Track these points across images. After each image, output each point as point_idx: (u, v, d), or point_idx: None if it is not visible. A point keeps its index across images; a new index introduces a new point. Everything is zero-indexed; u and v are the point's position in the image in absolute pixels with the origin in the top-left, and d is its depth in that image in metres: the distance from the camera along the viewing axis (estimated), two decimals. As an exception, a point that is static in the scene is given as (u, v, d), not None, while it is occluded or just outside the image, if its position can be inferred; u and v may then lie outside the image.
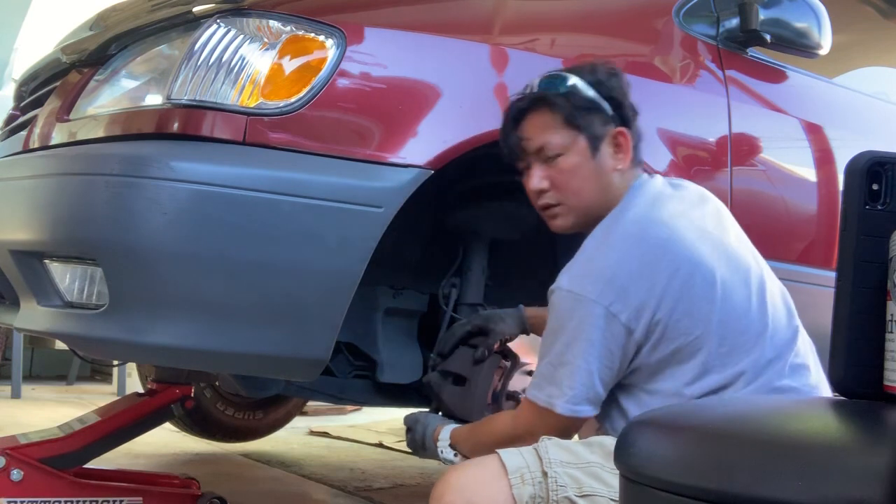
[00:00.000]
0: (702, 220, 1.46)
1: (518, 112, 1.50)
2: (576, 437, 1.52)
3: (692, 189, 1.55)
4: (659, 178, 1.54)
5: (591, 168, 1.47)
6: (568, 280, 1.38)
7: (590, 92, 1.47)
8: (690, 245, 1.38)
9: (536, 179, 1.49)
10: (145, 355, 1.86)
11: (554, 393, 1.38)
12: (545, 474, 1.32)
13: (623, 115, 1.49)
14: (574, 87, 1.47)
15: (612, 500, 1.31)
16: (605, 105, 1.48)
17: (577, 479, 1.32)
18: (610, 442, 1.37)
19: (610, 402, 1.43)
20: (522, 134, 1.50)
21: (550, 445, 1.35)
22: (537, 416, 1.42)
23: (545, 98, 1.48)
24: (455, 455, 1.56)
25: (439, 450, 1.58)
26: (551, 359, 1.39)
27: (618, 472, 1.30)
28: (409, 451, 1.71)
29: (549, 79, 1.50)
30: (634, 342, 1.36)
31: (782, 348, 1.40)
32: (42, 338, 4.62)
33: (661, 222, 1.40)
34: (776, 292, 1.47)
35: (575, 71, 1.51)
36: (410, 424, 1.70)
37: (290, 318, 1.52)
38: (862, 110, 2.50)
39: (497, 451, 1.36)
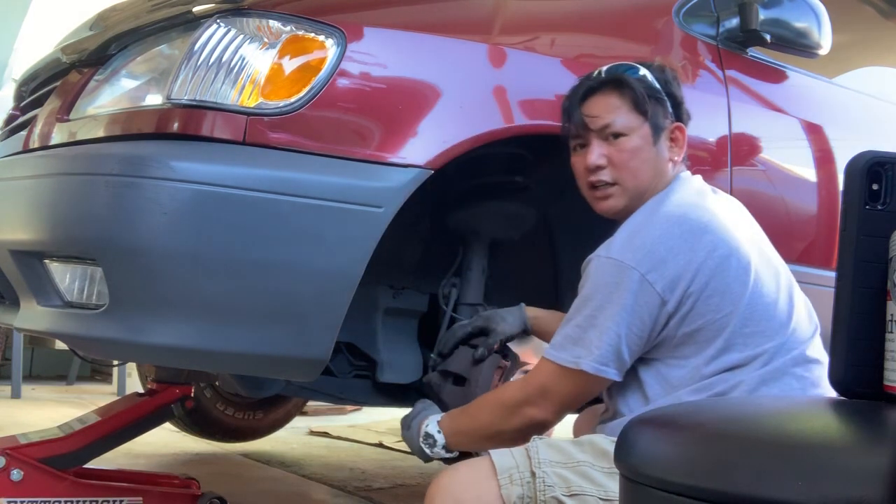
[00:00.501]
0: (737, 221, 1.51)
1: (587, 90, 1.55)
2: (569, 434, 1.52)
3: (727, 196, 1.61)
4: (699, 177, 1.58)
5: (650, 153, 1.52)
6: (607, 250, 1.42)
7: (657, 85, 1.54)
8: (730, 230, 1.42)
9: (596, 155, 1.52)
10: (145, 355, 1.86)
11: (580, 354, 1.39)
12: (533, 474, 1.32)
13: (680, 113, 1.57)
14: (644, 76, 1.53)
15: (600, 499, 1.31)
16: (668, 101, 1.54)
17: (565, 479, 1.32)
18: (601, 440, 1.37)
19: (628, 376, 1.43)
20: (588, 111, 1.53)
21: (541, 445, 1.36)
22: (556, 376, 1.42)
23: (620, 80, 1.52)
24: (439, 432, 1.53)
25: (425, 424, 1.55)
26: (580, 321, 1.40)
27: (607, 470, 1.32)
28: (409, 451, 1.71)
29: (620, 65, 1.55)
30: (666, 313, 1.38)
31: (801, 343, 1.43)
32: (42, 338, 4.62)
33: (704, 208, 1.45)
34: (800, 296, 1.50)
35: (644, 64, 1.56)
36: (416, 407, 1.68)
37: (289, 318, 1.51)
38: (862, 110, 2.50)
39: (489, 451, 1.36)
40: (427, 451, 1.55)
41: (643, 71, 1.54)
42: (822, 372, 1.43)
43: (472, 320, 1.88)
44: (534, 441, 1.37)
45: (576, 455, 1.35)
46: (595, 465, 1.33)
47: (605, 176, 1.52)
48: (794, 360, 1.40)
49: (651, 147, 1.52)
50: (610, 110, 1.51)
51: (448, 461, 1.57)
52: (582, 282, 1.45)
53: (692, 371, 1.39)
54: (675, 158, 1.54)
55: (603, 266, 1.40)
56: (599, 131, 1.51)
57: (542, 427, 1.47)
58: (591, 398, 1.49)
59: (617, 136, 1.51)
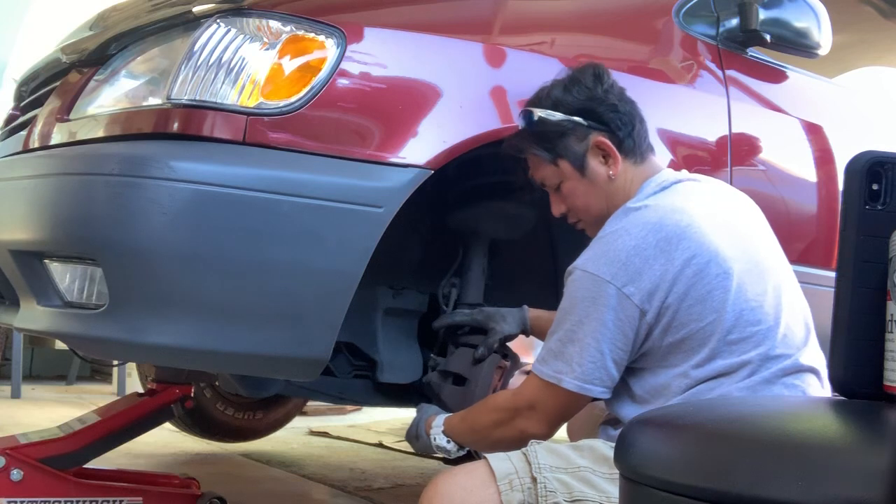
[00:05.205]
0: (728, 213, 1.48)
1: (516, 155, 1.60)
2: (561, 434, 1.52)
3: (725, 185, 1.61)
4: (684, 173, 1.56)
5: (585, 186, 1.53)
6: (584, 261, 1.41)
7: (555, 117, 1.51)
8: (709, 234, 1.38)
9: (554, 208, 1.59)
10: (145, 355, 1.86)
11: (561, 369, 1.39)
12: (534, 480, 1.31)
13: (599, 118, 1.52)
14: (540, 120, 1.52)
15: None
16: (577, 119, 1.51)
17: (566, 485, 1.31)
18: (600, 445, 1.37)
19: (622, 386, 1.43)
20: (529, 173, 1.60)
21: (539, 450, 1.35)
22: (541, 390, 1.42)
23: (519, 149, 1.58)
24: (448, 441, 1.56)
25: (432, 437, 1.58)
26: (560, 335, 1.40)
27: (608, 476, 1.31)
28: (410, 450, 1.72)
29: (521, 120, 1.56)
30: (646, 324, 1.36)
31: (794, 349, 1.40)
32: (42, 338, 4.63)
33: (681, 210, 1.41)
34: (795, 299, 1.47)
35: (535, 101, 1.56)
36: (415, 418, 1.70)
37: (289, 318, 1.51)
38: (862, 109, 2.50)
39: (486, 456, 1.36)
40: (446, 455, 1.59)
41: (537, 114, 1.51)
42: (815, 380, 1.40)
43: (473, 312, 1.90)
44: (532, 445, 1.37)
45: (576, 460, 1.35)
46: (596, 470, 1.33)
47: (571, 218, 1.59)
48: (785, 370, 1.37)
49: (581, 181, 1.53)
50: (536, 169, 1.58)
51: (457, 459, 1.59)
52: (564, 291, 1.43)
53: (679, 378, 1.37)
54: (612, 172, 1.51)
55: (580, 279, 1.39)
56: (543, 187, 1.59)
57: (536, 439, 1.45)
58: (579, 410, 1.49)
59: (556, 186, 1.56)
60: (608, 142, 1.51)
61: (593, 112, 1.51)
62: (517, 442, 1.45)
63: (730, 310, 1.36)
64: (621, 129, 1.51)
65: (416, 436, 1.64)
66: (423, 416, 1.65)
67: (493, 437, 1.50)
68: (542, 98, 1.54)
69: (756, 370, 1.36)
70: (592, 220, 1.53)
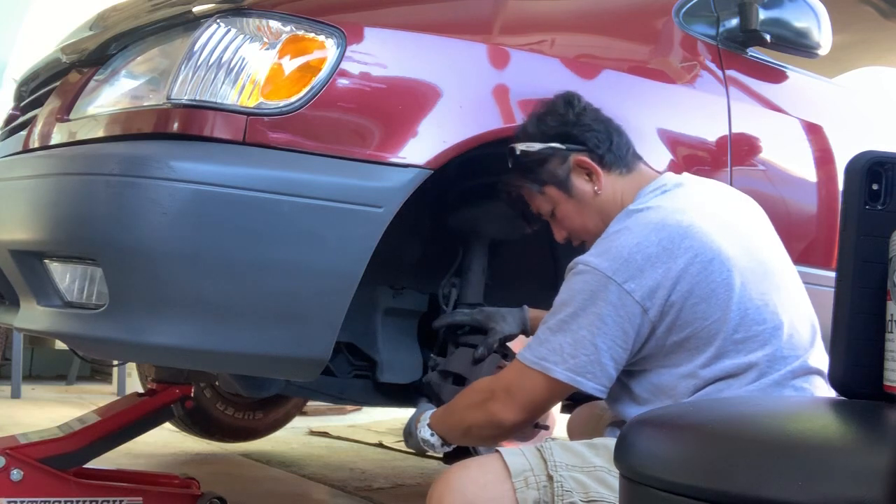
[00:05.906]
0: (731, 214, 1.47)
1: (511, 191, 1.65)
2: (554, 426, 1.51)
3: (728, 188, 1.62)
4: (686, 176, 1.56)
5: (575, 206, 1.56)
6: (587, 257, 1.40)
7: (535, 147, 1.55)
8: (711, 234, 1.38)
9: (556, 235, 1.63)
10: (145, 355, 1.86)
11: (545, 356, 1.37)
12: (550, 478, 1.30)
13: (575, 139, 1.55)
14: (522, 153, 1.56)
15: None
16: (555, 145, 1.54)
17: (583, 484, 1.30)
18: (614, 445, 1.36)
19: (622, 388, 1.42)
20: (529, 208, 1.64)
21: (555, 447, 1.34)
22: (520, 374, 1.41)
23: (511, 186, 1.62)
24: (432, 434, 1.56)
25: (418, 430, 1.58)
26: (551, 325, 1.39)
27: (622, 477, 1.30)
28: (410, 451, 1.72)
29: (508, 159, 1.59)
30: (649, 321, 1.35)
31: (802, 350, 1.39)
32: (42, 338, 4.62)
33: (683, 211, 1.41)
34: (800, 301, 1.46)
35: (516, 138, 1.59)
36: (412, 416, 1.70)
37: (289, 318, 1.51)
38: (862, 109, 2.50)
39: (499, 450, 1.35)
40: (431, 451, 1.58)
41: (519, 147, 1.56)
42: (822, 383, 1.39)
43: (473, 312, 1.90)
44: (547, 442, 1.36)
45: (592, 459, 1.33)
46: (611, 470, 1.31)
47: (574, 241, 1.61)
48: (794, 373, 1.36)
49: (570, 202, 1.55)
50: (529, 200, 1.61)
51: (451, 456, 1.58)
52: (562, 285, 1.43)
53: (687, 379, 1.36)
54: (597, 188, 1.53)
55: (580, 273, 1.39)
56: (541, 216, 1.62)
57: (503, 429, 1.43)
58: (555, 403, 1.47)
59: (550, 214, 1.59)
60: (587, 159, 1.53)
61: (569, 135, 1.55)
62: (487, 427, 1.44)
63: (734, 308, 1.35)
64: (599, 145, 1.54)
65: (409, 432, 1.63)
66: (418, 412, 1.65)
67: (465, 420, 1.48)
68: (521, 134, 1.59)
69: (765, 372, 1.35)
70: (593, 238, 1.51)
